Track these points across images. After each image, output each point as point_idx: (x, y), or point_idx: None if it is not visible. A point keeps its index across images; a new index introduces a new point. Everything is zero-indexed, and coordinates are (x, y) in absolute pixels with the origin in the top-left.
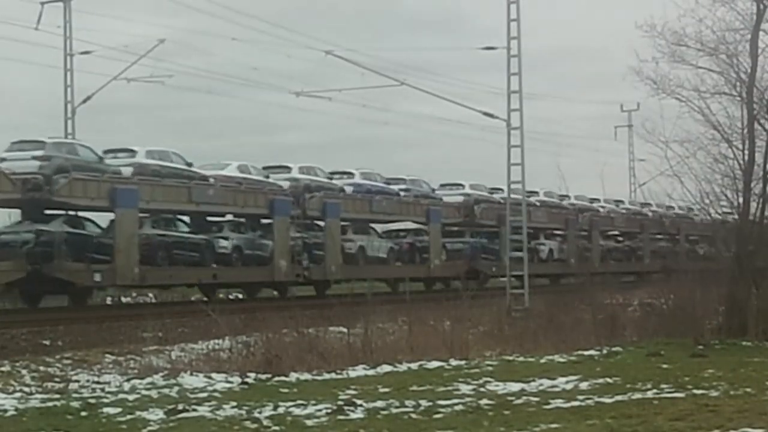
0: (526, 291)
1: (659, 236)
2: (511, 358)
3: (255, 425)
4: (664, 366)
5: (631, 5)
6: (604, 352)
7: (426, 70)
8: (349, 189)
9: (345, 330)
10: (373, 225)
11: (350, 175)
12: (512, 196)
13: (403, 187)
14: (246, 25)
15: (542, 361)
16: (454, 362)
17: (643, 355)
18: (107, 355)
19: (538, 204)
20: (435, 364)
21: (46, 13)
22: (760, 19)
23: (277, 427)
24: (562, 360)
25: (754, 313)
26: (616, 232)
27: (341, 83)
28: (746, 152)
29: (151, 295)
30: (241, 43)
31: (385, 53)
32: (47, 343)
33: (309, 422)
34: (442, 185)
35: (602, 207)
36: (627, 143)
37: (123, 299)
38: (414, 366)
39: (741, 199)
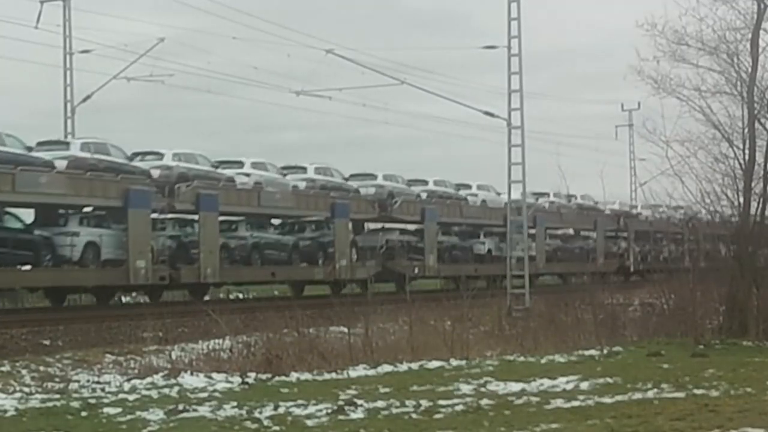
0: (527, 291)
1: (613, 234)
2: (511, 358)
3: (255, 425)
4: (665, 366)
5: (631, 4)
6: (605, 352)
7: (426, 69)
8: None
9: (345, 330)
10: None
11: (240, 164)
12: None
13: (304, 176)
14: (246, 24)
15: (543, 361)
16: (454, 362)
17: (643, 355)
18: (107, 355)
19: (476, 200)
20: (435, 364)
21: (45, 11)
22: (761, 19)
23: (277, 427)
24: (562, 360)
25: (755, 313)
26: (567, 230)
27: (341, 82)
28: (747, 152)
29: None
30: (241, 42)
31: (385, 52)
32: (47, 343)
33: (309, 422)
34: (353, 175)
35: (550, 202)
36: (627, 142)
37: (123, 299)
38: (414, 366)
39: (741, 199)
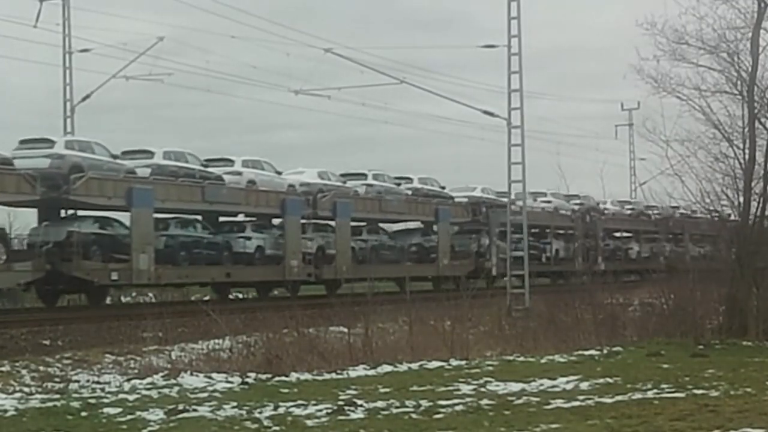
0: (527, 291)
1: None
2: (511, 358)
3: (255, 425)
4: (665, 366)
5: (631, 4)
6: (605, 352)
7: (426, 68)
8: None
9: (345, 330)
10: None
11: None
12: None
13: (364, 182)
14: (245, 23)
15: (543, 361)
16: (454, 362)
17: (643, 355)
18: (107, 355)
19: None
20: (435, 364)
21: (44, 10)
22: (761, 18)
23: (277, 428)
24: (562, 360)
25: (755, 313)
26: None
27: (341, 81)
28: (747, 151)
29: (150, 294)
30: (240, 41)
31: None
32: (47, 343)
33: (309, 422)
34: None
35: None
36: (627, 142)
37: (123, 299)
38: (414, 366)
39: (741, 199)
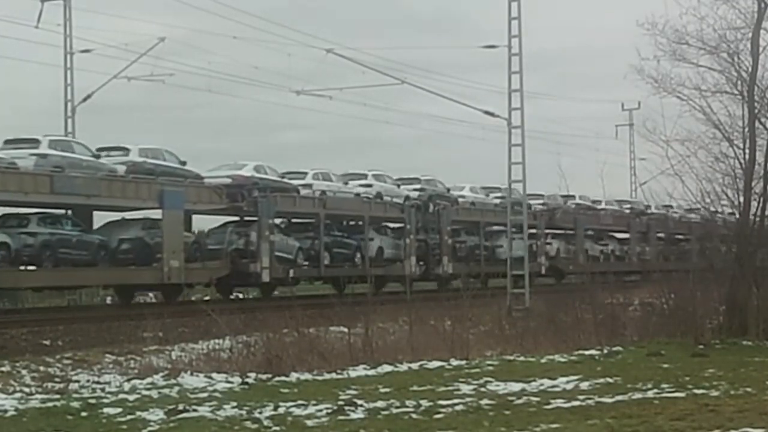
0: (527, 291)
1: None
2: (511, 358)
3: (255, 425)
4: (665, 366)
5: (632, 4)
6: (605, 351)
7: (427, 68)
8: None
9: (345, 330)
10: None
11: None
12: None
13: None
14: (247, 24)
15: (543, 361)
16: (454, 362)
17: (643, 355)
18: (107, 355)
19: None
20: (435, 364)
21: (46, 11)
22: (761, 18)
23: (277, 428)
24: (562, 360)
25: (755, 312)
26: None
27: (342, 82)
28: (747, 151)
29: (150, 294)
30: (241, 42)
31: (386, 52)
32: (47, 343)
33: (309, 422)
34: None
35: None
36: (628, 142)
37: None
38: (414, 366)
39: (742, 198)
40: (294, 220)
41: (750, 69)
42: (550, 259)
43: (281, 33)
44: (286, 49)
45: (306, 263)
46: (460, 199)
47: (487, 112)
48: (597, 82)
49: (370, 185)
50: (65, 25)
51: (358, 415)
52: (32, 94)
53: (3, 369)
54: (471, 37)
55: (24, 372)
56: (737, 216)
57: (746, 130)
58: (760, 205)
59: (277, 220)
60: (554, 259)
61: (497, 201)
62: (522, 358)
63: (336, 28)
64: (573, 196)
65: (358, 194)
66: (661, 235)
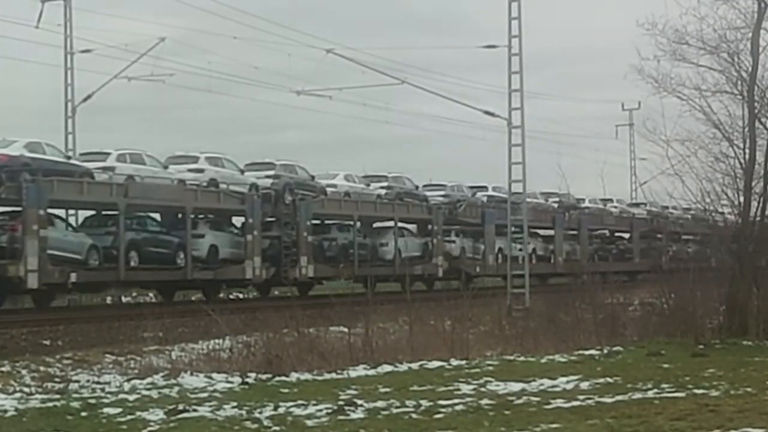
0: (527, 291)
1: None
2: (511, 357)
3: (255, 425)
4: (665, 366)
5: (632, 4)
6: (605, 351)
7: (427, 68)
8: None
9: (345, 330)
10: None
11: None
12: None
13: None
14: (247, 24)
15: (543, 360)
16: (454, 362)
17: (643, 355)
18: (107, 355)
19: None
20: (436, 364)
21: (46, 11)
22: (761, 18)
23: (277, 428)
24: (562, 360)
25: (755, 312)
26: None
27: (342, 82)
28: (747, 151)
29: (151, 294)
30: (241, 42)
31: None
32: (47, 343)
33: (309, 422)
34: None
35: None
36: (628, 142)
37: (123, 299)
38: (415, 366)
39: (742, 198)
40: (106, 213)
41: (750, 69)
42: (452, 259)
43: (281, 33)
44: (286, 49)
45: (105, 265)
46: (330, 189)
47: (487, 112)
48: (597, 82)
49: (201, 170)
50: (65, 25)
51: (358, 415)
52: (32, 94)
53: (3, 369)
54: (471, 37)
55: (24, 372)
56: (737, 216)
57: (746, 130)
58: (760, 205)
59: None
60: (457, 260)
61: (382, 192)
62: (522, 358)
63: (336, 28)
64: (485, 187)
65: (182, 181)
66: (598, 232)
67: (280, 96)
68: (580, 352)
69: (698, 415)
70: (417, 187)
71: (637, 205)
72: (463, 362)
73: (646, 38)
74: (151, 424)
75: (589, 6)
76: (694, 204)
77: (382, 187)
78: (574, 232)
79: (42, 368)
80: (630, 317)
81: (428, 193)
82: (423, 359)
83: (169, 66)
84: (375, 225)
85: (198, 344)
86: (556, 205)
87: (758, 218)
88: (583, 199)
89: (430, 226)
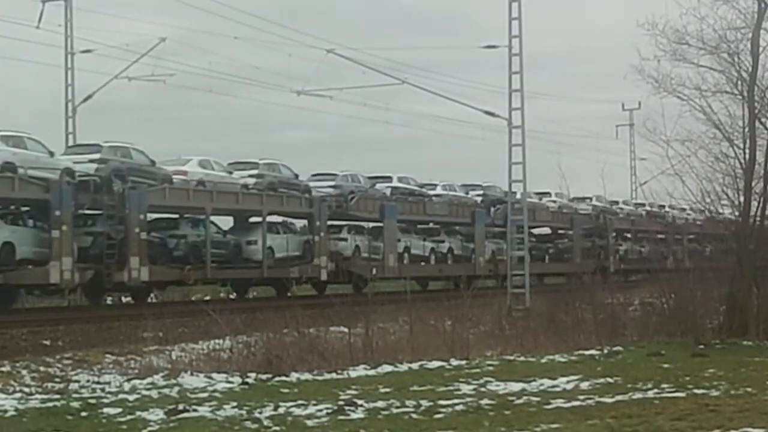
0: (527, 291)
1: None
2: (511, 357)
3: (255, 425)
4: (665, 366)
5: (632, 4)
6: (605, 351)
7: (427, 68)
8: None
9: (346, 330)
10: None
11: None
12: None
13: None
14: (247, 24)
15: (543, 360)
16: (454, 362)
17: (643, 355)
18: (107, 355)
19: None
20: (436, 364)
21: (47, 11)
22: (761, 18)
23: (277, 428)
24: (562, 360)
25: (755, 312)
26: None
27: (342, 82)
28: (747, 151)
29: (151, 294)
30: (242, 42)
31: (386, 52)
32: (47, 343)
33: (309, 422)
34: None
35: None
36: (628, 142)
37: (123, 299)
38: (415, 366)
39: (742, 198)
40: None
41: (750, 69)
42: (342, 260)
43: (282, 33)
44: (287, 50)
45: None
46: (179, 177)
47: (487, 112)
48: (597, 82)
49: None
50: (66, 25)
51: (358, 415)
52: (32, 94)
53: (3, 369)
54: (471, 37)
55: (24, 372)
56: (737, 216)
57: (746, 130)
58: (760, 205)
59: None
60: (348, 261)
61: (251, 181)
62: (522, 358)
63: (336, 28)
64: (389, 178)
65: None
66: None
67: (280, 96)
68: (580, 352)
69: (698, 415)
70: (296, 176)
71: (582, 199)
72: (463, 362)
73: (646, 38)
74: (151, 424)
75: (589, 6)
76: (694, 204)
77: (251, 176)
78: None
79: (42, 368)
80: (630, 317)
81: (313, 184)
82: (423, 359)
83: (169, 66)
84: (251, 220)
85: (198, 344)
86: (479, 199)
87: (758, 218)
88: (514, 193)
89: (312, 222)
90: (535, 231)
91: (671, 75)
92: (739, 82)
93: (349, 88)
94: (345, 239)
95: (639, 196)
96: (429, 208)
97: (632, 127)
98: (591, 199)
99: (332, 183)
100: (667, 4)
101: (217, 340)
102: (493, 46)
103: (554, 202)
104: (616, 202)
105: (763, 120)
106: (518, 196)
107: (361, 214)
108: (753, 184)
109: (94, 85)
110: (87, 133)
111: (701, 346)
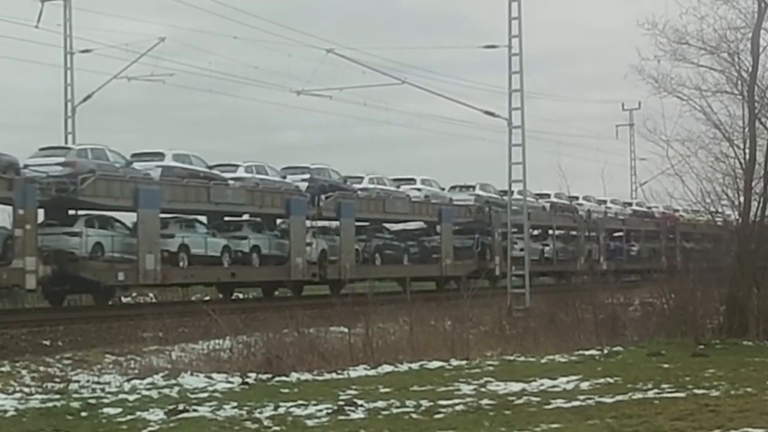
0: (527, 291)
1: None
2: (511, 358)
3: (255, 425)
4: (665, 366)
5: (632, 4)
6: (605, 351)
7: (427, 68)
8: None
9: (346, 330)
10: None
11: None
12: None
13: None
14: (247, 24)
15: (543, 361)
16: (455, 362)
17: (643, 355)
18: (107, 355)
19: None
20: (436, 364)
21: (46, 11)
22: (762, 18)
23: (277, 428)
24: (562, 360)
25: (755, 312)
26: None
27: (342, 82)
28: (747, 151)
29: (151, 295)
30: (242, 42)
31: (386, 52)
32: (47, 343)
33: (309, 422)
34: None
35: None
36: (628, 142)
37: (123, 299)
38: (415, 366)
39: (742, 198)
40: None
41: (750, 69)
42: (71, 262)
43: (282, 33)
44: (287, 49)
45: None
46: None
47: (487, 112)
48: (597, 82)
49: None
50: (65, 25)
51: (358, 415)
52: (32, 94)
53: (3, 369)
54: (471, 37)
55: (24, 372)
56: (737, 216)
57: (746, 130)
58: (760, 205)
59: None
60: (79, 263)
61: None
62: (522, 358)
63: (336, 28)
64: (191, 157)
65: None
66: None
67: (280, 96)
68: (581, 352)
69: (698, 415)
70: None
71: (465, 188)
72: (464, 362)
73: (647, 38)
74: (151, 424)
75: (589, 6)
76: (694, 204)
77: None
78: (336, 222)
79: (42, 368)
80: (630, 317)
81: (35, 161)
82: (423, 359)
83: (169, 66)
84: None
85: (198, 344)
86: (303, 186)
87: (758, 218)
88: (360, 178)
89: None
90: (394, 227)
91: (671, 75)
92: (739, 82)
93: (349, 88)
94: (78, 234)
95: (639, 196)
96: (216, 195)
97: (632, 127)
98: (474, 188)
99: (62, 160)
100: (667, 4)
101: (217, 340)
102: (493, 46)
103: (419, 190)
104: (504, 192)
105: (763, 120)
106: (516, 196)
107: (101, 201)
108: (753, 184)
109: (94, 84)
110: (87, 133)
111: (701, 346)
